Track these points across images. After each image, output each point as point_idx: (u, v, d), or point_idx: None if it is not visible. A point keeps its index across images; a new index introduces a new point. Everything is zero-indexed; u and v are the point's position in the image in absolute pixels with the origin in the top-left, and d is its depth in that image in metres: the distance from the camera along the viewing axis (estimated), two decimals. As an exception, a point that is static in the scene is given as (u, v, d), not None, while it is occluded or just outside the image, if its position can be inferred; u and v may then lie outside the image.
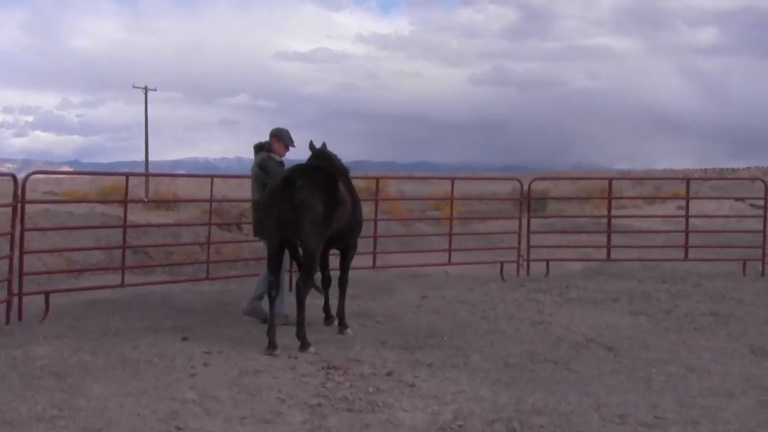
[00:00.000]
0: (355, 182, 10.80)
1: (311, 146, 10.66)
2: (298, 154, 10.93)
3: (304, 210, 9.26)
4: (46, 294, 11.02)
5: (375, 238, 15.11)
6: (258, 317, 10.67)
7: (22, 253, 10.78)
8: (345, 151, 10.39)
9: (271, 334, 9.27)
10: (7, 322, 10.34)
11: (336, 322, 10.64)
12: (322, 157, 10.45)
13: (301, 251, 9.78)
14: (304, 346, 9.35)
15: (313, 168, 9.93)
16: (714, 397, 7.72)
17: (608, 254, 16.69)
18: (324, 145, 10.74)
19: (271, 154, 10.73)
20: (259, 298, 10.68)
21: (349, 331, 10.24)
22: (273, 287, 9.52)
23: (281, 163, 10.72)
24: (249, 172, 11.10)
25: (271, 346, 9.16)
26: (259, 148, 10.85)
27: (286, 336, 9.71)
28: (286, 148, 10.91)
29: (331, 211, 9.52)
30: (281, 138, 10.81)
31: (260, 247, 14.42)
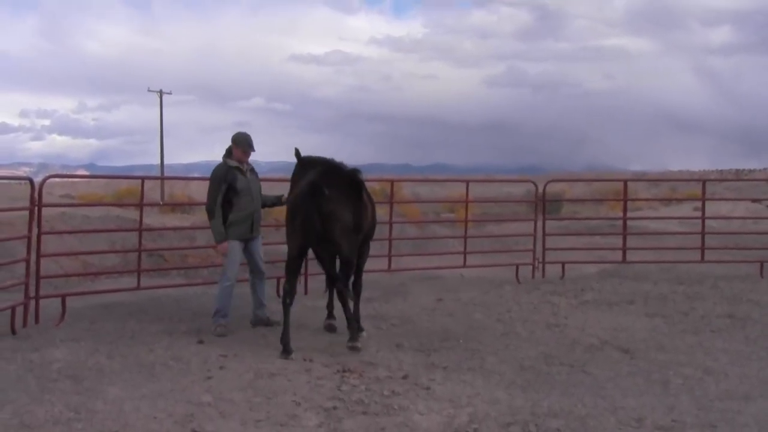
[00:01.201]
0: (369, 185, 10.76)
1: (297, 154, 10.57)
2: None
3: (334, 219, 9.33)
4: (63, 297, 11.07)
5: (390, 240, 15.11)
6: (261, 324, 10.75)
7: (39, 256, 10.82)
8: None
9: (285, 339, 9.28)
10: (24, 325, 10.38)
11: (332, 320, 10.76)
12: (322, 162, 10.26)
13: (325, 260, 9.95)
14: (355, 348, 9.45)
15: (338, 174, 9.87)
16: (731, 400, 7.69)
17: (624, 256, 16.62)
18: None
19: (229, 160, 10.46)
20: (223, 315, 10.46)
21: (364, 334, 10.23)
22: (288, 295, 9.54)
23: (238, 169, 10.42)
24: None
25: (286, 351, 9.17)
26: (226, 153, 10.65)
27: (302, 339, 9.74)
28: (245, 154, 10.57)
29: (359, 218, 9.61)
30: (238, 143, 10.51)
31: (274, 250, 14.44)
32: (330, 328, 10.64)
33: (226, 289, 10.48)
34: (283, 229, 10.12)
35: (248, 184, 10.47)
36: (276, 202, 11.01)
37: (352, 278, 10.09)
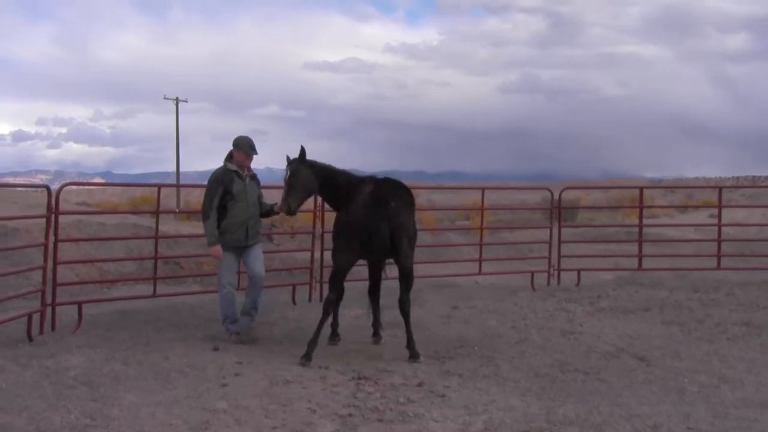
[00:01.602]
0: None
1: (302, 151, 10.02)
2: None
3: (403, 231, 9.49)
4: (79, 304, 11.10)
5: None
6: (244, 336, 10.30)
7: (55, 263, 10.87)
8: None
9: (312, 347, 9.30)
10: (41, 332, 10.41)
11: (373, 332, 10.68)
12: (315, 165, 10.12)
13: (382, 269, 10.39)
14: (414, 356, 9.50)
15: (395, 185, 9.95)
16: (747, 408, 7.66)
17: (639, 263, 16.58)
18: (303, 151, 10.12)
19: (229, 164, 10.28)
20: (232, 321, 10.38)
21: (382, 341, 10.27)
22: (332, 305, 9.66)
23: (236, 173, 10.22)
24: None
25: (307, 358, 9.20)
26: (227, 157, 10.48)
27: (317, 347, 9.76)
28: (248, 157, 10.34)
29: (415, 227, 9.85)
30: (240, 146, 10.28)
31: (290, 257, 14.46)
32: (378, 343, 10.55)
33: (225, 297, 10.35)
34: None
35: (245, 190, 10.22)
36: (270, 210, 10.60)
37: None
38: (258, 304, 10.47)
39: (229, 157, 10.33)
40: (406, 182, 10.36)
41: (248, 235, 10.26)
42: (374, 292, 10.69)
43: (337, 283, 9.70)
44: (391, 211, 9.34)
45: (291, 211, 9.86)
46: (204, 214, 10.11)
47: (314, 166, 10.02)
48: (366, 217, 9.40)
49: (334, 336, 10.50)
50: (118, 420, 6.90)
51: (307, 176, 9.92)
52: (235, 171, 10.23)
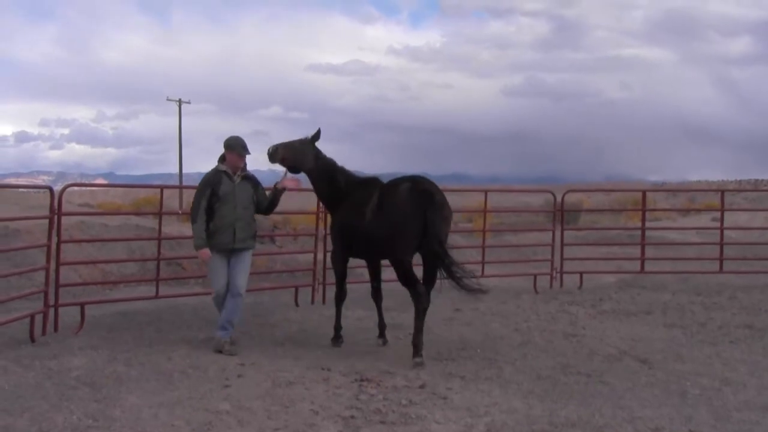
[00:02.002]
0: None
1: (318, 134, 10.39)
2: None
3: (448, 224, 9.86)
4: (82, 305, 11.12)
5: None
6: (216, 348, 9.84)
7: (58, 264, 10.87)
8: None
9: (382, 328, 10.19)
10: (43, 333, 10.41)
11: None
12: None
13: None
14: (418, 353, 9.40)
15: (427, 180, 10.02)
16: (750, 411, 7.66)
17: (642, 266, 16.58)
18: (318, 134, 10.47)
19: (220, 166, 9.98)
20: (224, 327, 9.97)
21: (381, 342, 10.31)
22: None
23: (226, 174, 9.91)
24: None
25: (337, 339, 10.13)
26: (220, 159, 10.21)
27: (320, 348, 9.80)
28: (240, 158, 10.01)
29: None
30: (232, 147, 9.98)
31: (292, 259, 14.46)
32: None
33: (215, 302, 10.17)
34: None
35: (233, 191, 9.88)
36: (274, 197, 10.39)
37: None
38: (234, 317, 10.02)
39: (222, 159, 10.06)
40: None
41: (236, 238, 9.88)
42: (378, 293, 10.66)
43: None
44: (441, 203, 9.62)
45: (271, 154, 10.30)
46: (192, 217, 9.84)
47: (318, 152, 10.41)
48: (407, 208, 9.44)
49: (383, 335, 10.74)
50: (120, 421, 6.91)
51: (307, 151, 10.34)
52: (225, 172, 9.93)
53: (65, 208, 11.16)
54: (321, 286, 13.74)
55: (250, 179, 10.13)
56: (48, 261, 10.72)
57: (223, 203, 9.79)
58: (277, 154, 10.23)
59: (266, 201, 10.32)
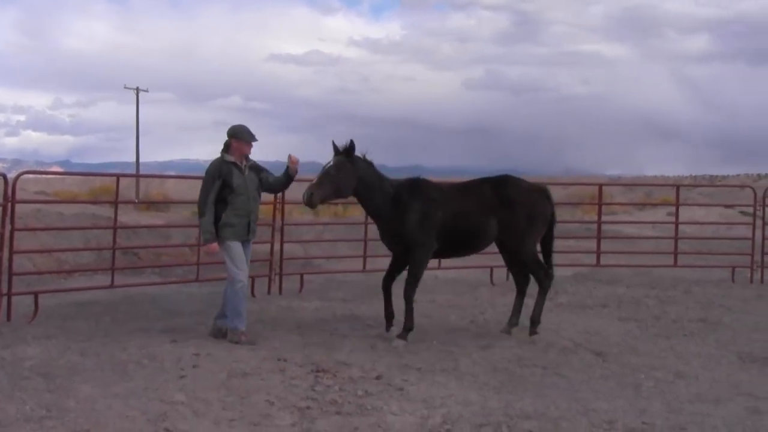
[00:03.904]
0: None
1: (352, 145, 9.92)
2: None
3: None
4: (36, 294, 11.00)
5: (365, 241, 15.10)
6: (217, 337, 9.92)
7: (11, 253, 10.74)
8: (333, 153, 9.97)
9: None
10: (-4, 322, 10.31)
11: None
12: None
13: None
14: (533, 329, 10.67)
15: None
16: (702, 403, 7.76)
17: (598, 260, 16.72)
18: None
19: (226, 156, 9.84)
20: (242, 319, 9.90)
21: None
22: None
23: (235, 165, 9.79)
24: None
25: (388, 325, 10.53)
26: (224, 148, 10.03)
27: (276, 339, 9.77)
28: (248, 146, 9.93)
29: None
30: (239, 135, 9.87)
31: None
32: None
33: (238, 293, 9.82)
34: (258, 228, 10.10)
35: (245, 182, 9.80)
36: (287, 176, 10.18)
37: None
38: (243, 305, 10.03)
39: (225, 148, 9.90)
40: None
41: (250, 230, 9.90)
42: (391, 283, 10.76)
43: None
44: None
45: (311, 203, 9.64)
46: (200, 210, 9.72)
47: (359, 167, 9.98)
48: (548, 203, 10.93)
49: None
50: (74, 411, 6.84)
51: (347, 175, 9.83)
52: (233, 163, 9.79)
53: (20, 195, 11.05)
54: (277, 277, 13.69)
55: (254, 168, 10.06)
56: (1, 249, 10.58)
57: (236, 195, 9.70)
58: (315, 200, 9.66)
59: (278, 182, 10.27)
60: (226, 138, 9.87)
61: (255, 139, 9.97)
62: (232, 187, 9.67)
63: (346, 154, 9.84)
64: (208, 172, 9.82)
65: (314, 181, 9.74)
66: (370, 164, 10.11)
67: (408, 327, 10.16)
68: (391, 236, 10.32)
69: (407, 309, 10.22)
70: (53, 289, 12.62)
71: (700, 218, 25.43)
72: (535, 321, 10.69)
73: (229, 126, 10.03)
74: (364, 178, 9.95)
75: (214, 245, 9.73)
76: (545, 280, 10.82)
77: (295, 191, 11.07)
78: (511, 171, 10.41)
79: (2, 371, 8.02)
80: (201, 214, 9.71)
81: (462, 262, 16.49)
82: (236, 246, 9.78)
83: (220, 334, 9.94)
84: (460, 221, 10.29)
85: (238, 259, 9.79)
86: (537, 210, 10.68)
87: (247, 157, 9.97)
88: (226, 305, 9.91)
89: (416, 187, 10.35)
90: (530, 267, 10.83)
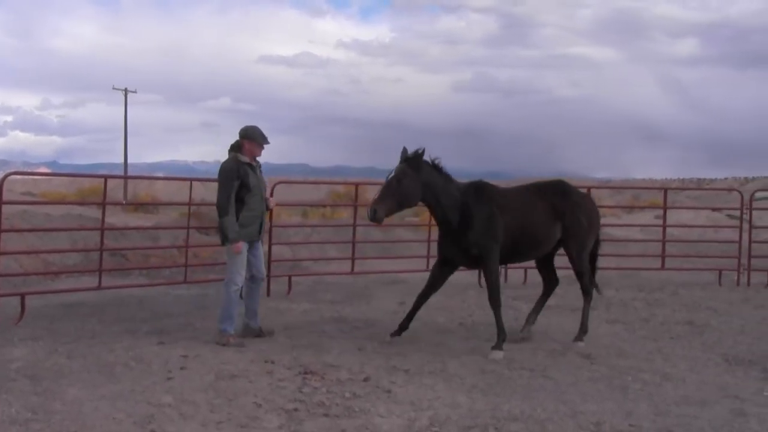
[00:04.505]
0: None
1: (421, 154, 9.69)
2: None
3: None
4: (22, 296, 10.96)
5: (353, 243, 15.11)
6: (251, 335, 10.13)
7: (-2, 254, 10.72)
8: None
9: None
10: (-18, 323, 10.28)
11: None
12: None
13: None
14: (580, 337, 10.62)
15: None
16: (688, 406, 7.78)
17: (586, 262, 16.73)
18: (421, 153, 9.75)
19: (240, 156, 9.87)
20: (232, 322, 9.96)
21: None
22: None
23: (250, 166, 9.90)
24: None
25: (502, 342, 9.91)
26: (234, 148, 10.06)
27: (264, 342, 9.76)
28: (260, 147, 10.04)
29: None
30: (253, 137, 9.95)
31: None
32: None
33: (233, 295, 9.91)
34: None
35: (258, 183, 9.95)
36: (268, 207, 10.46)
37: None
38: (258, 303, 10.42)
39: (236, 149, 9.94)
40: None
41: (261, 229, 10.12)
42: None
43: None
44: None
45: (376, 219, 9.44)
46: (222, 210, 9.66)
47: (423, 174, 9.69)
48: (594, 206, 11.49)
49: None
50: (60, 414, 6.82)
51: (410, 184, 9.58)
52: (248, 163, 9.87)
53: (7, 196, 11.00)
54: (265, 279, 13.67)
55: (261, 170, 10.21)
56: (-13, 250, 10.55)
57: (252, 195, 9.81)
58: (379, 216, 9.44)
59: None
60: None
61: (267, 142, 10.08)
62: (249, 186, 9.76)
63: (407, 161, 9.63)
64: (226, 171, 9.81)
65: (377, 196, 9.56)
66: (436, 169, 9.88)
67: (503, 338, 9.90)
68: (458, 244, 10.02)
69: (497, 319, 10.02)
70: (40, 291, 12.58)
71: (688, 221, 25.50)
72: (584, 329, 10.67)
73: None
74: (431, 185, 9.72)
75: (240, 244, 9.75)
76: (591, 287, 10.99)
77: (282, 192, 11.04)
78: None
79: (-12, 373, 7.99)
80: (224, 213, 9.68)
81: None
82: (243, 249, 9.85)
83: (252, 333, 10.16)
84: (527, 228, 10.24)
85: (240, 263, 9.86)
86: (594, 217, 11.07)
87: (255, 158, 10.09)
88: (254, 304, 10.29)
89: (482, 193, 10.17)
90: (582, 274, 10.92)
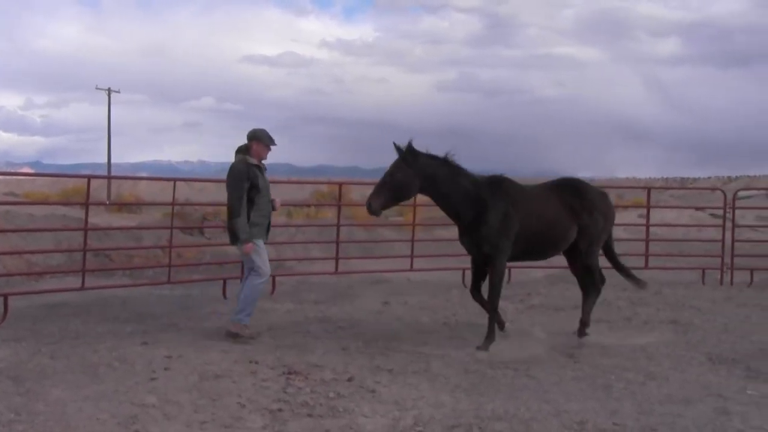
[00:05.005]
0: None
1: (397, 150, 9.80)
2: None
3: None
4: (5, 296, 10.91)
5: (337, 243, 15.11)
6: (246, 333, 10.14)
7: (-20, 255, 10.67)
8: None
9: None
10: (-35, 324, 10.22)
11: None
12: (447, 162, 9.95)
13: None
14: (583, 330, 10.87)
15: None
16: (672, 404, 7.80)
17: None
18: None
19: (248, 158, 10.01)
20: (248, 314, 10.17)
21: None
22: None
23: (258, 167, 10.06)
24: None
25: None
26: (241, 150, 10.22)
27: (246, 341, 9.75)
28: (268, 149, 10.23)
29: None
30: (261, 138, 10.11)
31: (221, 251, 14.35)
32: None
33: (259, 288, 10.26)
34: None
35: (266, 184, 10.14)
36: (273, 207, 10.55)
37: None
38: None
39: (244, 150, 10.09)
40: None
41: (268, 230, 10.30)
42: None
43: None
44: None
45: (372, 212, 9.75)
46: (234, 211, 9.79)
47: (420, 165, 9.77)
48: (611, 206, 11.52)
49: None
50: (44, 415, 6.79)
51: (404, 177, 9.72)
52: (256, 165, 10.04)
53: (-11, 197, 10.94)
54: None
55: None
56: (-30, 251, 10.50)
57: (261, 196, 9.98)
58: (374, 209, 9.74)
59: None
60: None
61: (274, 143, 10.23)
62: (259, 187, 9.92)
63: (402, 155, 9.73)
64: (236, 173, 9.93)
65: (373, 190, 9.82)
66: (443, 162, 9.91)
67: (491, 339, 10.03)
68: (470, 239, 10.11)
69: (490, 320, 10.17)
70: (23, 291, 12.52)
71: (671, 220, 25.57)
72: (586, 323, 10.88)
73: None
74: (432, 177, 9.79)
75: (251, 245, 9.90)
76: (600, 283, 11.31)
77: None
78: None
79: (-29, 374, 7.95)
80: (235, 215, 9.80)
81: (434, 263, 16.52)
82: (262, 244, 10.11)
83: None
84: (544, 227, 10.31)
85: (265, 256, 10.12)
86: (609, 215, 11.18)
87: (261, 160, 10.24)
88: (256, 299, 10.33)
89: (499, 188, 10.17)
90: (592, 270, 11.19)
